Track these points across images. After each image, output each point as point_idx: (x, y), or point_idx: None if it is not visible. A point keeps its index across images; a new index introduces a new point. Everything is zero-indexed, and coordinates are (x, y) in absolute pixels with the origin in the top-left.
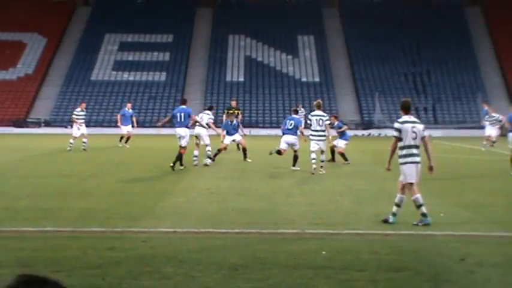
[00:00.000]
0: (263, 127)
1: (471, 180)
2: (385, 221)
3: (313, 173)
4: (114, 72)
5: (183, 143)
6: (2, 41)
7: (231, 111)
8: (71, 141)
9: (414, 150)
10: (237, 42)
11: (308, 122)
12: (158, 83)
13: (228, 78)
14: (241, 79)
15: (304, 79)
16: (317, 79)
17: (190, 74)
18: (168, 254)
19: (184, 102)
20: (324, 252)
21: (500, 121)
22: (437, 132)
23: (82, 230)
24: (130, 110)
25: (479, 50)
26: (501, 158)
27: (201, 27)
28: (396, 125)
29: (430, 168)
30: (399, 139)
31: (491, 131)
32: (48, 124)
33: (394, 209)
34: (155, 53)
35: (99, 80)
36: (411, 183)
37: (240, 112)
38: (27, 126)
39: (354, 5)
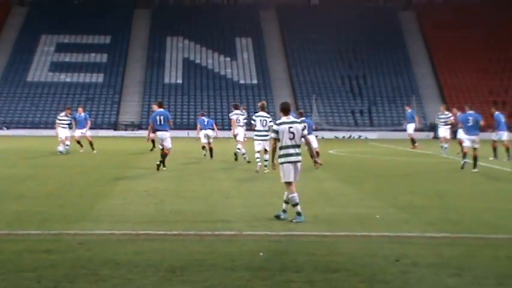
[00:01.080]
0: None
1: (406, 181)
2: (277, 217)
3: (257, 171)
4: (50, 74)
5: (167, 145)
6: None
7: None
8: (67, 143)
9: (291, 150)
10: (175, 44)
11: (252, 122)
12: (96, 85)
13: (166, 80)
14: (180, 81)
15: (242, 81)
16: (255, 81)
17: (128, 76)
18: (105, 256)
19: (160, 105)
20: (261, 254)
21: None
22: (373, 135)
23: (17, 233)
24: (83, 114)
25: (413, 53)
26: (435, 159)
27: (139, 29)
28: (274, 126)
29: (315, 163)
30: (278, 139)
31: (445, 132)
32: None
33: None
34: (92, 54)
35: (35, 81)
36: (289, 183)
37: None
38: None
39: (291, 7)
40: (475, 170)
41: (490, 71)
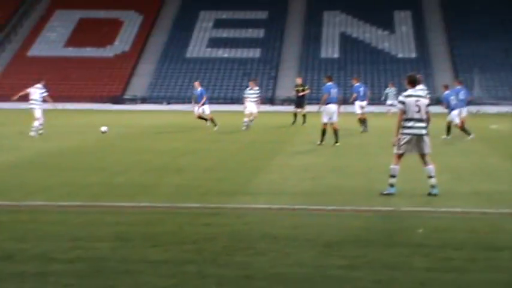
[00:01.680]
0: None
1: None
2: (383, 194)
3: None
4: (208, 49)
5: (335, 119)
6: (100, 19)
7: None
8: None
9: (414, 123)
10: (332, 18)
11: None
12: (252, 60)
13: (323, 55)
14: (336, 56)
15: (400, 55)
16: (413, 55)
17: (285, 51)
18: (263, 230)
19: (330, 79)
20: (420, 230)
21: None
22: None
23: (178, 206)
24: (199, 89)
25: None
26: None
27: (296, 4)
28: (400, 98)
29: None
30: (403, 112)
31: None
32: (144, 101)
33: (393, 180)
34: (250, 30)
35: (193, 57)
36: (399, 154)
37: (306, 89)
38: (123, 103)
39: None
40: None
41: None
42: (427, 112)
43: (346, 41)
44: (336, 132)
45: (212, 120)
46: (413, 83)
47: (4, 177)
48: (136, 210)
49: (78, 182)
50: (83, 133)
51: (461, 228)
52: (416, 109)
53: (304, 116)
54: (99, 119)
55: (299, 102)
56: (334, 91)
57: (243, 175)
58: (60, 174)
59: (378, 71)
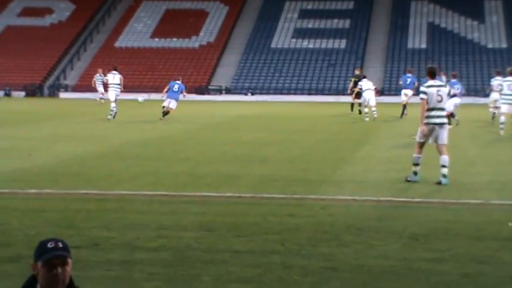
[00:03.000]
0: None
1: None
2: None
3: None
4: (294, 40)
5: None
6: (186, 10)
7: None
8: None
9: (436, 113)
10: (419, 8)
11: (499, 87)
12: (338, 51)
13: (410, 45)
14: (423, 46)
15: (490, 45)
16: (504, 45)
17: (371, 42)
18: (347, 221)
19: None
20: (510, 224)
21: None
22: None
23: (262, 196)
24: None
25: None
26: None
27: None
28: (422, 88)
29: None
30: (426, 101)
31: None
32: (229, 91)
33: (416, 168)
34: (335, 20)
35: (278, 47)
36: (421, 143)
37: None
38: (208, 94)
39: None
40: None
41: None
42: None
43: (433, 31)
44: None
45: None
46: (433, 74)
47: (92, 167)
48: (221, 200)
49: (163, 172)
50: (168, 123)
51: None
52: (439, 98)
53: (360, 105)
54: (184, 109)
55: (358, 92)
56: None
57: (327, 166)
58: (145, 164)
59: (466, 62)
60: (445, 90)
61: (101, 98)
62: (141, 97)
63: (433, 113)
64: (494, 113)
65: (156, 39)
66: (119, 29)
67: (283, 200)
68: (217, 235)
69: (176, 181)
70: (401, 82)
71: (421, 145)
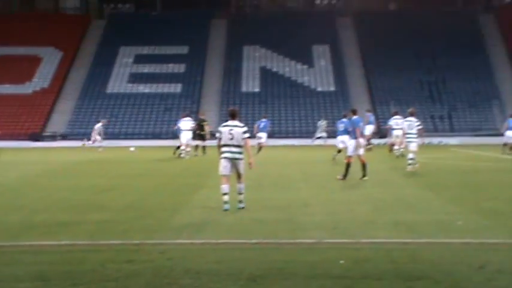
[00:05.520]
0: (279, 137)
1: (489, 187)
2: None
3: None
4: (129, 85)
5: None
6: (19, 56)
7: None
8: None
9: (228, 148)
10: (251, 52)
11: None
12: (174, 95)
13: (244, 89)
14: (257, 89)
15: (319, 89)
16: (332, 88)
17: (206, 85)
18: (186, 265)
19: (355, 112)
20: (342, 262)
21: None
22: (453, 140)
23: (100, 243)
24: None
25: (494, 57)
26: None
27: (216, 39)
28: (219, 128)
29: (250, 164)
30: (220, 139)
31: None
32: (64, 137)
33: (225, 197)
34: (170, 65)
35: (114, 92)
36: (223, 175)
37: (206, 124)
38: (43, 140)
39: (368, 13)
40: None
41: None
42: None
43: (266, 75)
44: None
45: None
46: (232, 115)
47: None
48: (57, 248)
49: None
50: (1, 171)
51: (382, 259)
52: (230, 136)
53: (204, 147)
54: (19, 156)
55: (200, 135)
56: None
57: (165, 211)
58: None
59: (298, 104)
60: (237, 130)
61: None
62: (132, 148)
63: (226, 148)
64: (392, 149)
65: None
66: None
67: (121, 246)
68: (53, 285)
69: (10, 230)
70: (256, 126)
71: (225, 177)
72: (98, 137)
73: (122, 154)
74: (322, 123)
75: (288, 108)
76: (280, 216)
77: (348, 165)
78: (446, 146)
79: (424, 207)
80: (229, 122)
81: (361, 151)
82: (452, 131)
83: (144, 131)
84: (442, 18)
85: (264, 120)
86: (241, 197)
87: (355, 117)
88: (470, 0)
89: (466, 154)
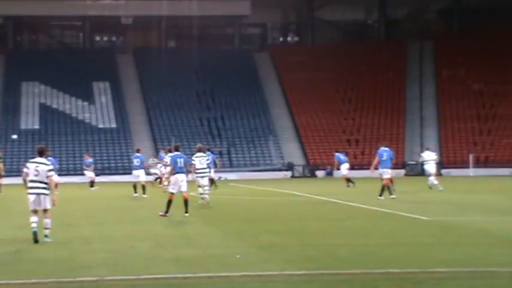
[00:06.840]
0: (60, 174)
1: (267, 221)
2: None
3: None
4: None
5: (185, 188)
6: None
7: None
8: None
9: (35, 184)
10: (30, 89)
11: (193, 162)
12: None
13: (23, 126)
14: (36, 126)
15: (101, 125)
16: (114, 125)
17: None
18: None
19: (177, 148)
20: None
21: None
22: (232, 175)
23: None
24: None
25: (270, 95)
26: (294, 198)
27: None
28: (27, 164)
29: (53, 200)
30: (27, 174)
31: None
32: None
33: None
34: None
35: None
36: (32, 210)
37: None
38: None
39: (148, 50)
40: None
41: (343, 110)
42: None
43: (46, 111)
44: (186, 201)
45: None
46: (40, 152)
47: None
48: None
49: None
50: None
51: None
52: (36, 173)
53: None
54: None
55: None
56: (180, 160)
57: None
58: None
59: (79, 141)
60: (43, 168)
61: None
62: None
63: (32, 184)
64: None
65: None
66: None
67: None
68: None
69: None
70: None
71: (33, 211)
72: None
73: None
74: (154, 161)
75: (69, 145)
76: (61, 255)
77: (169, 202)
78: (226, 181)
79: (204, 242)
80: (37, 159)
81: (184, 187)
82: (231, 166)
83: None
84: (220, 55)
85: (138, 154)
86: (47, 231)
87: (177, 153)
88: (247, 39)
89: (245, 189)
